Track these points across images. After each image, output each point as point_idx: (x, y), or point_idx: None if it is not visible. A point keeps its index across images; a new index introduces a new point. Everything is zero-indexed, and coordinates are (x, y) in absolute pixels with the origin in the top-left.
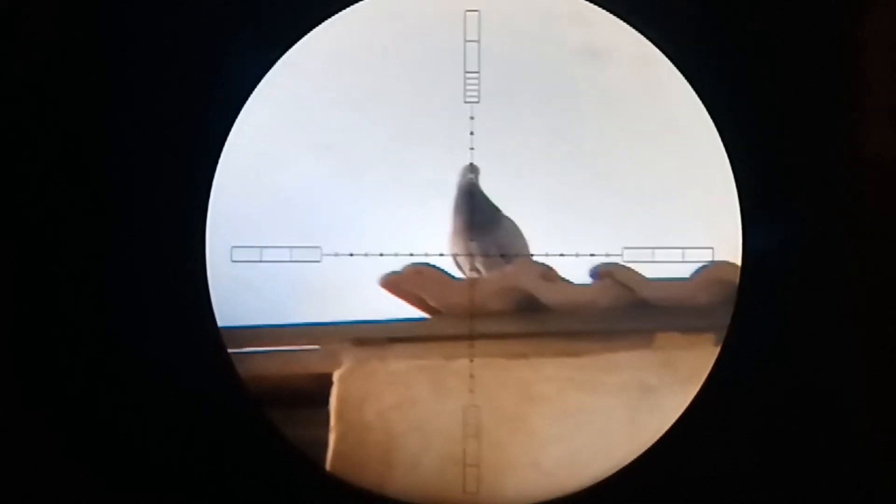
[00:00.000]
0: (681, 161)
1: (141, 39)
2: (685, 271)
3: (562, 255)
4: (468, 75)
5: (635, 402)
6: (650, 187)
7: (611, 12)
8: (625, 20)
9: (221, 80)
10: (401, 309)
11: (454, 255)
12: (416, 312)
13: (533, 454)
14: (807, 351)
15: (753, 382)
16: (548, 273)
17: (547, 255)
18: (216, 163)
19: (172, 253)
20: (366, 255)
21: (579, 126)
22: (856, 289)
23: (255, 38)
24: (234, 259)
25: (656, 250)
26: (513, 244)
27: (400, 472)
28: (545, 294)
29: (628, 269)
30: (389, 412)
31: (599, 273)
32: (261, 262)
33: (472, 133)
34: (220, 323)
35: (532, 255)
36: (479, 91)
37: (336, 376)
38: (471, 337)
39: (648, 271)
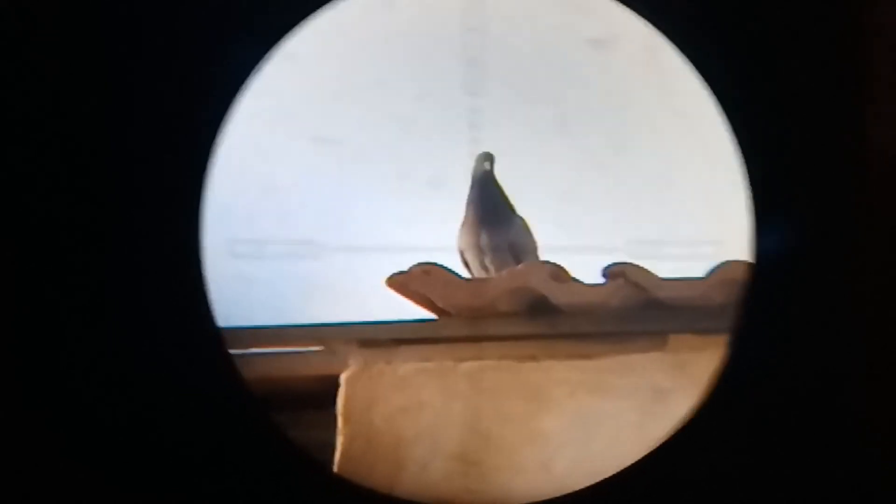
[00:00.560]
0: (688, 153)
1: (134, 31)
2: (694, 265)
3: (566, 248)
4: (469, 66)
5: (648, 405)
6: (657, 179)
7: (617, 1)
8: (631, 8)
9: (216, 71)
10: (407, 308)
11: (462, 250)
12: (423, 313)
13: (543, 457)
14: (815, 351)
15: (760, 382)
16: (558, 273)
17: (551, 247)
18: (212, 157)
19: (170, 248)
20: (365, 248)
21: (584, 117)
22: (866, 287)
23: (250, 29)
24: (234, 254)
25: (663, 243)
26: (524, 244)
27: (408, 475)
28: (556, 294)
29: (641, 268)
30: (397, 415)
31: (611, 273)
32: (260, 257)
33: (474, 125)
34: (220, 322)
35: (540, 258)
36: (481, 82)
37: (343, 378)
38: (479, 338)
39: (657, 265)
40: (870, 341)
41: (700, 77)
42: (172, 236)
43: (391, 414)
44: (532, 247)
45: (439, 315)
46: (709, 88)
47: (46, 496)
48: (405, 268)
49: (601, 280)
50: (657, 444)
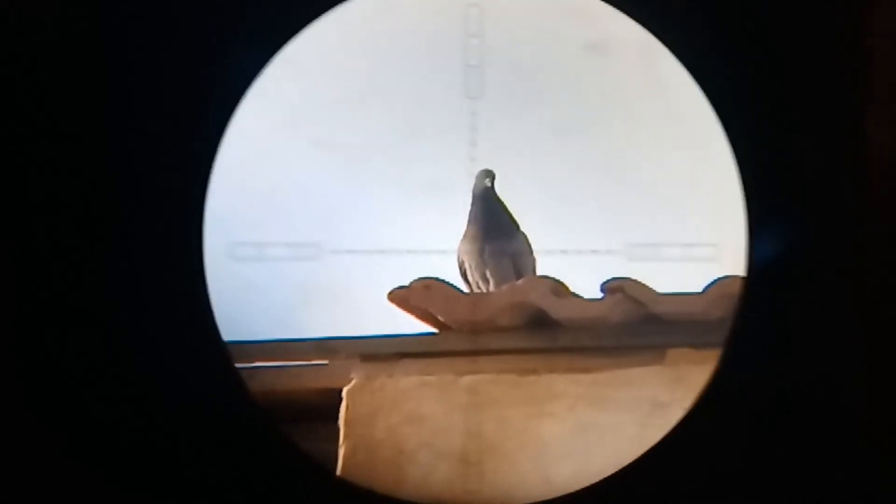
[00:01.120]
0: (684, 158)
1: (137, 36)
2: (691, 267)
3: (563, 251)
4: (469, 70)
5: (647, 418)
6: (653, 183)
7: (614, 6)
8: (628, 14)
9: (218, 76)
10: (408, 322)
11: (463, 261)
12: (424, 327)
13: (543, 470)
14: (815, 351)
15: (759, 382)
16: (558, 288)
17: (548, 251)
18: (213, 161)
19: (171, 252)
20: (366, 251)
21: (581, 122)
22: (866, 287)
23: (252, 34)
24: (234, 257)
25: (660, 245)
26: (525, 258)
27: (410, 487)
28: (556, 309)
29: (639, 283)
30: (399, 428)
31: (610, 288)
32: (261, 259)
33: (473, 129)
34: (223, 327)
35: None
36: (480, 86)
37: (345, 391)
38: (480, 352)
39: (655, 267)
40: (870, 341)
41: (696, 80)
42: (174, 239)
43: (393, 426)
44: (532, 265)
45: (440, 329)
46: (705, 92)
47: (46, 496)
48: (404, 270)
49: (600, 295)
50: (656, 444)
